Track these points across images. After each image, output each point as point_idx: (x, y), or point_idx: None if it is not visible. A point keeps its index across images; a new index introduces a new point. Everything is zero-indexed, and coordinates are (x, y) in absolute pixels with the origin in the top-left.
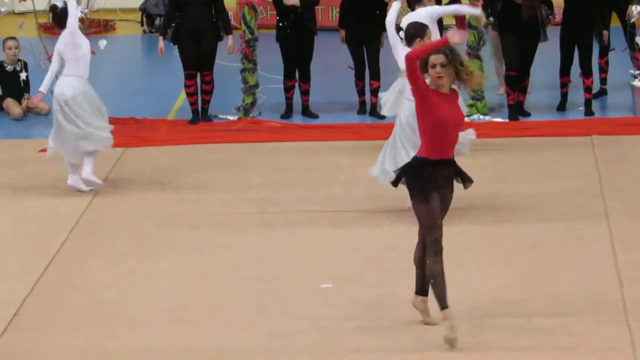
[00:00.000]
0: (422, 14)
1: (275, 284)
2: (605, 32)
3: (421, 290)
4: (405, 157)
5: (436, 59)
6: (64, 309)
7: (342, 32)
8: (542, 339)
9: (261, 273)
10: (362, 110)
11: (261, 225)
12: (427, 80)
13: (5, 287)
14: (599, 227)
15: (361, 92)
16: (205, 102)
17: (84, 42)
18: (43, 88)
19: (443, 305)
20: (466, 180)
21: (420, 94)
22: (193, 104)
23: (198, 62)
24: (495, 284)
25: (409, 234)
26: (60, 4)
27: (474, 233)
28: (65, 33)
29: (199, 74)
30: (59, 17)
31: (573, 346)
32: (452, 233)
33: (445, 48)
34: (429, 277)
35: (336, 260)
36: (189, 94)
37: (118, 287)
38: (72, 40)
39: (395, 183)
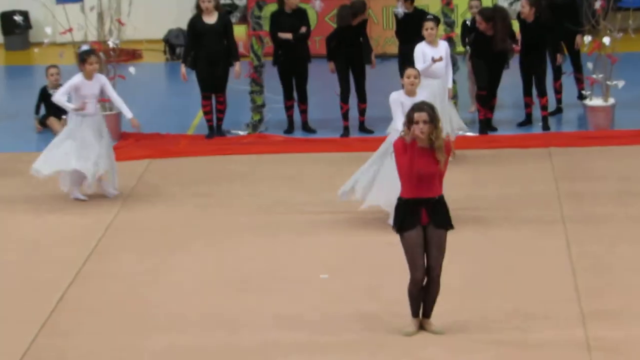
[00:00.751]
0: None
1: (280, 274)
2: (559, 56)
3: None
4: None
5: (420, 116)
6: (101, 293)
7: (332, 64)
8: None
9: (268, 264)
10: (345, 134)
11: (268, 224)
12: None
13: (51, 276)
14: (556, 226)
15: (345, 116)
16: (220, 120)
17: None
18: (129, 114)
19: (415, 314)
20: (447, 224)
21: (399, 155)
22: (209, 121)
23: (213, 85)
24: (450, 284)
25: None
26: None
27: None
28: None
29: (213, 96)
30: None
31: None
32: None
33: (428, 107)
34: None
35: (333, 255)
36: (205, 113)
37: (147, 275)
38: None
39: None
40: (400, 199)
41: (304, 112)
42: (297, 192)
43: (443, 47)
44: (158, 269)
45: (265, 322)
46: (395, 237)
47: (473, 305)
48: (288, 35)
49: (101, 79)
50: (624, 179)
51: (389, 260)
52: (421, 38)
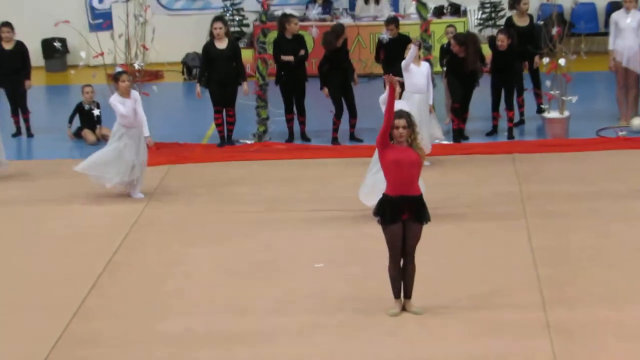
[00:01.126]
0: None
1: (282, 263)
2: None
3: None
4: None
5: (399, 122)
6: (128, 282)
7: (325, 90)
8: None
9: (272, 255)
10: (335, 143)
11: (271, 220)
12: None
13: (84, 266)
14: (519, 221)
15: (336, 130)
16: (230, 131)
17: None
18: (147, 132)
19: (396, 296)
20: (424, 219)
21: (383, 147)
22: (220, 132)
23: (224, 101)
24: (429, 272)
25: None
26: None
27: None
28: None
29: (224, 110)
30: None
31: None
32: None
33: (406, 114)
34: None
35: (328, 247)
36: (217, 125)
37: (167, 266)
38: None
39: (375, 214)
40: (385, 196)
41: (302, 123)
42: (296, 192)
43: (425, 67)
44: (176, 260)
45: (268, 305)
46: (378, 229)
47: (448, 290)
48: (289, 58)
49: (135, 95)
50: (578, 181)
51: (378, 252)
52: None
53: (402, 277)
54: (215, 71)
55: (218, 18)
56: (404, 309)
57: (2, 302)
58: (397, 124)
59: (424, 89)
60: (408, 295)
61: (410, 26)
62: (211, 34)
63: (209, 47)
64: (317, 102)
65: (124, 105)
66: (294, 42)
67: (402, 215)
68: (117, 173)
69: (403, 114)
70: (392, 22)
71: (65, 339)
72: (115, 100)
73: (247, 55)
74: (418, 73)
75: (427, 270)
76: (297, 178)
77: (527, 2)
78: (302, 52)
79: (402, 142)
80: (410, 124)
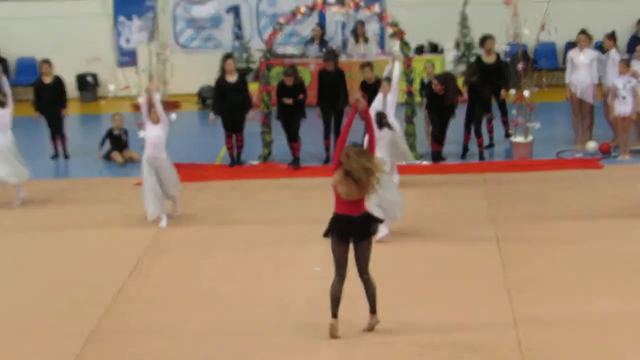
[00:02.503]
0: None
1: (283, 267)
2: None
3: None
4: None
5: (351, 152)
6: (155, 277)
7: (318, 110)
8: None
9: (274, 258)
10: (326, 162)
11: (275, 230)
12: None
13: (116, 266)
14: (489, 231)
15: (327, 148)
16: (239, 153)
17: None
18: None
19: (334, 315)
20: (370, 234)
21: (337, 165)
22: (231, 154)
23: (233, 127)
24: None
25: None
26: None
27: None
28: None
29: (234, 135)
30: None
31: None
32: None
33: (360, 144)
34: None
35: (324, 253)
36: (228, 148)
37: (189, 266)
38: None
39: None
40: (334, 213)
41: (296, 149)
42: (296, 206)
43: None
44: (197, 261)
45: (274, 302)
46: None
47: (426, 286)
48: (289, 101)
49: (166, 124)
50: (541, 196)
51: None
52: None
53: (365, 292)
54: (226, 101)
55: (229, 56)
56: (370, 328)
57: (40, 301)
58: (350, 153)
59: (394, 126)
60: (373, 311)
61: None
62: (223, 69)
63: (221, 80)
64: (314, 128)
65: (151, 131)
66: (293, 89)
67: (349, 233)
68: (154, 204)
69: (356, 144)
70: (330, 58)
71: (108, 318)
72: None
73: (253, 87)
74: (388, 107)
75: (402, 280)
76: (297, 195)
77: (492, 43)
78: (301, 96)
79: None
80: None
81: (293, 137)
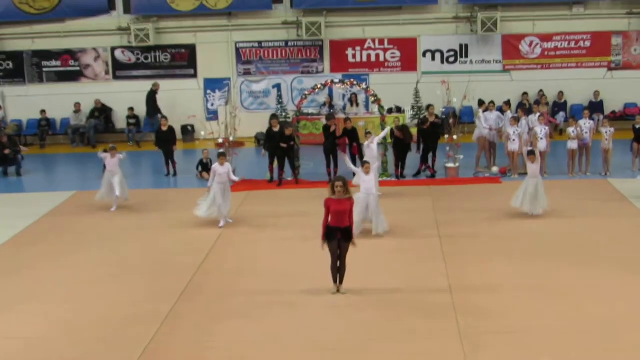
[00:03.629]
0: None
1: (290, 255)
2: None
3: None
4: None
5: (338, 184)
6: (221, 269)
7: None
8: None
9: (282, 248)
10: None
11: (299, 217)
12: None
13: (191, 257)
14: (432, 227)
15: (329, 174)
16: (281, 175)
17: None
18: (234, 178)
19: (334, 281)
20: (350, 239)
21: (326, 207)
22: (271, 174)
23: (273, 158)
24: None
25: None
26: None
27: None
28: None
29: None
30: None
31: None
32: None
33: (342, 178)
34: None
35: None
36: (270, 170)
37: (247, 257)
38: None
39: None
40: (328, 225)
41: (281, 175)
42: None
43: (371, 178)
44: (248, 254)
45: (292, 278)
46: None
47: (374, 279)
48: (284, 145)
49: (228, 166)
50: (465, 200)
51: (355, 251)
52: None
53: (337, 271)
54: (271, 143)
55: (274, 116)
56: (338, 290)
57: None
58: (336, 185)
59: (372, 191)
60: (341, 282)
61: (374, 119)
62: (270, 124)
63: (269, 130)
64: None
65: (219, 170)
66: (285, 136)
67: (337, 236)
68: (207, 210)
69: (340, 178)
70: (274, 117)
71: (191, 287)
72: (216, 165)
73: (289, 132)
74: (368, 180)
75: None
76: (318, 196)
77: (433, 109)
78: (292, 143)
79: (340, 195)
80: (344, 184)
81: (282, 166)
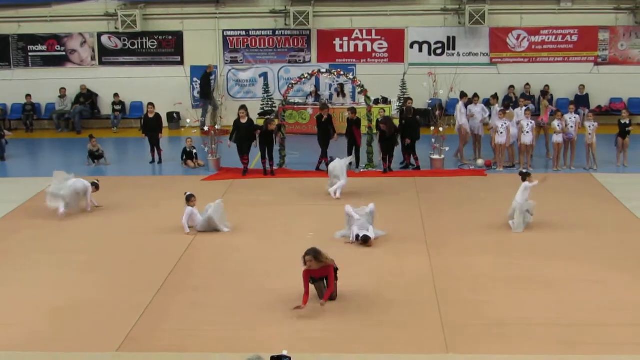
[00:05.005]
0: None
1: (284, 234)
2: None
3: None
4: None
5: (307, 258)
6: (200, 260)
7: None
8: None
9: (283, 228)
10: (318, 168)
11: (286, 209)
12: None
13: (175, 243)
14: (415, 212)
15: (320, 163)
16: (246, 166)
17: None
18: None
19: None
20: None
21: (305, 278)
22: (245, 165)
23: (242, 151)
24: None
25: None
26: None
27: None
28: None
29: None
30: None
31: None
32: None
33: (313, 251)
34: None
35: (315, 224)
36: (243, 163)
37: (230, 243)
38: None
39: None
40: (311, 277)
41: (270, 165)
42: (300, 195)
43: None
44: (226, 243)
45: (281, 256)
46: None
47: (357, 269)
48: (273, 127)
49: (195, 210)
50: (450, 190)
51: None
52: None
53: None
54: (238, 133)
55: (243, 107)
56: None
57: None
58: (306, 260)
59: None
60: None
61: (361, 109)
62: (238, 114)
63: (237, 121)
64: (313, 148)
65: (193, 215)
66: (250, 126)
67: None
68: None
69: (309, 252)
70: (242, 108)
71: (174, 275)
72: (187, 215)
73: (272, 127)
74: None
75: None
76: (302, 185)
77: (410, 104)
78: (259, 131)
79: (311, 267)
80: (316, 256)
81: (269, 156)
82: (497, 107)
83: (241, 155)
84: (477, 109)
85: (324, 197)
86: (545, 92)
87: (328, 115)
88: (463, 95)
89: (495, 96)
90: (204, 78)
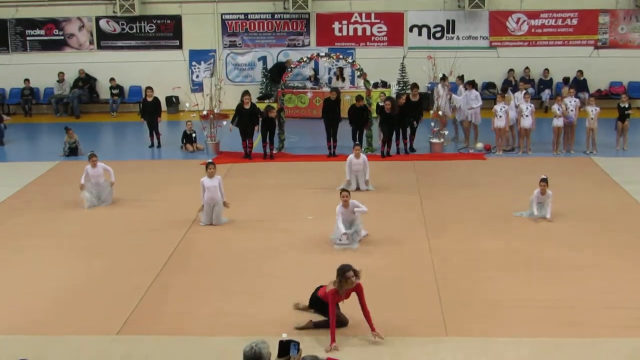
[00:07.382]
0: None
1: (284, 217)
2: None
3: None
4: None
5: (350, 275)
6: (200, 243)
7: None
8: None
9: (283, 211)
10: (329, 154)
11: (284, 191)
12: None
13: (175, 226)
14: (414, 195)
15: (328, 147)
16: (251, 150)
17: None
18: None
19: None
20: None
21: (333, 302)
22: (245, 150)
23: (246, 134)
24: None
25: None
26: None
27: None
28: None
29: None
30: None
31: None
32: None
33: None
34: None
35: (315, 207)
36: (243, 147)
37: (220, 230)
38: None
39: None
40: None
41: (271, 148)
42: (300, 179)
43: (362, 159)
44: (234, 221)
45: (282, 239)
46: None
47: (356, 253)
48: (274, 114)
49: (219, 179)
50: (449, 175)
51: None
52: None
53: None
54: (241, 118)
55: (246, 92)
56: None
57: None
58: (348, 276)
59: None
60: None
61: (361, 92)
62: (242, 100)
63: (239, 106)
64: (319, 132)
65: (206, 183)
66: (253, 112)
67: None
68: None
69: (348, 267)
70: (246, 94)
71: (169, 264)
72: (203, 179)
73: (261, 106)
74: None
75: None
76: (299, 171)
77: (417, 89)
78: (274, 123)
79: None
80: (356, 272)
81: (270, 139)
82: (473, 92)
83: (244, 140)
84: (472, 95)
85: (323, 181)
86: (567, 80)
87: (337, 98)
88: (444, 77)
89: (471, 82)
90: (281, 69)
